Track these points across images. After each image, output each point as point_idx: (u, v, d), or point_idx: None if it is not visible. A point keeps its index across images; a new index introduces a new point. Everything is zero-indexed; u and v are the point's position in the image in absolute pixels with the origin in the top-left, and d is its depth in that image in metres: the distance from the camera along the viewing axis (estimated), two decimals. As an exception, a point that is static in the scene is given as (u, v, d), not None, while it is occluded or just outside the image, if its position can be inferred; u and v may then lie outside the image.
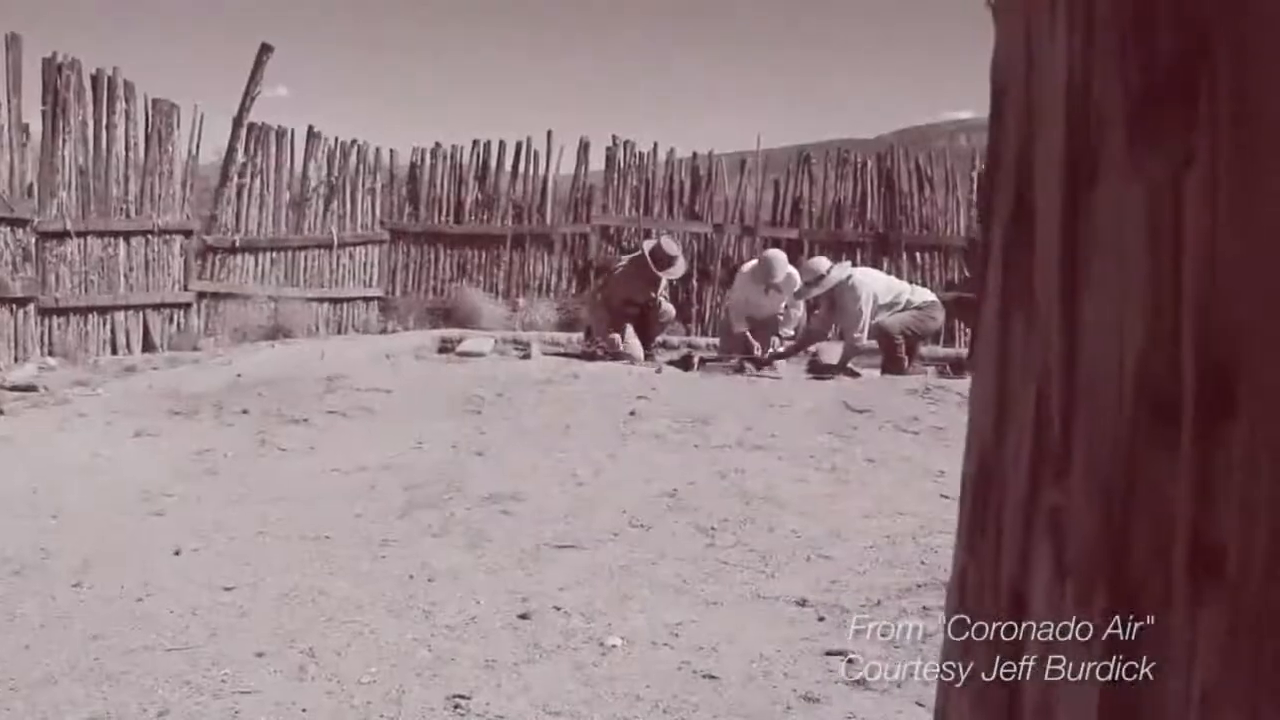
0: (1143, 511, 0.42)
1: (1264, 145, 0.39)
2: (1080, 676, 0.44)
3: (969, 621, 0.54)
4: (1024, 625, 0.49)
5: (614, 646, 3.18)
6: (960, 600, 0.56)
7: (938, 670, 0.62)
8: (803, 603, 3.55)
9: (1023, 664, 0.49)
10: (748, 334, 8.91)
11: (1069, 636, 0.45)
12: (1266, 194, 0.39)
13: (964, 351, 10.30)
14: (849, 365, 8.67)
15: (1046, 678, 0.47)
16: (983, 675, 0.52)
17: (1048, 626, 0.46)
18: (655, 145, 11.51)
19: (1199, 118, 0.41)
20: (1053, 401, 0.46)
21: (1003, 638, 0.50)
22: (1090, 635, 0.44)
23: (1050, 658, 0.46)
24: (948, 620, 0.59)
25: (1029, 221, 0.48)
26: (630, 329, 9.10)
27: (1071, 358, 0.45)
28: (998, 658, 0.50)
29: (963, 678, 0.55)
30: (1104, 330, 0.44)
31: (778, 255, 9.10)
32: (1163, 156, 0.42)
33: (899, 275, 9.85)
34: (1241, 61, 0.40)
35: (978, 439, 0.54)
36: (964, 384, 7.47)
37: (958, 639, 0.56)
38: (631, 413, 6.44)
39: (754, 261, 9.28)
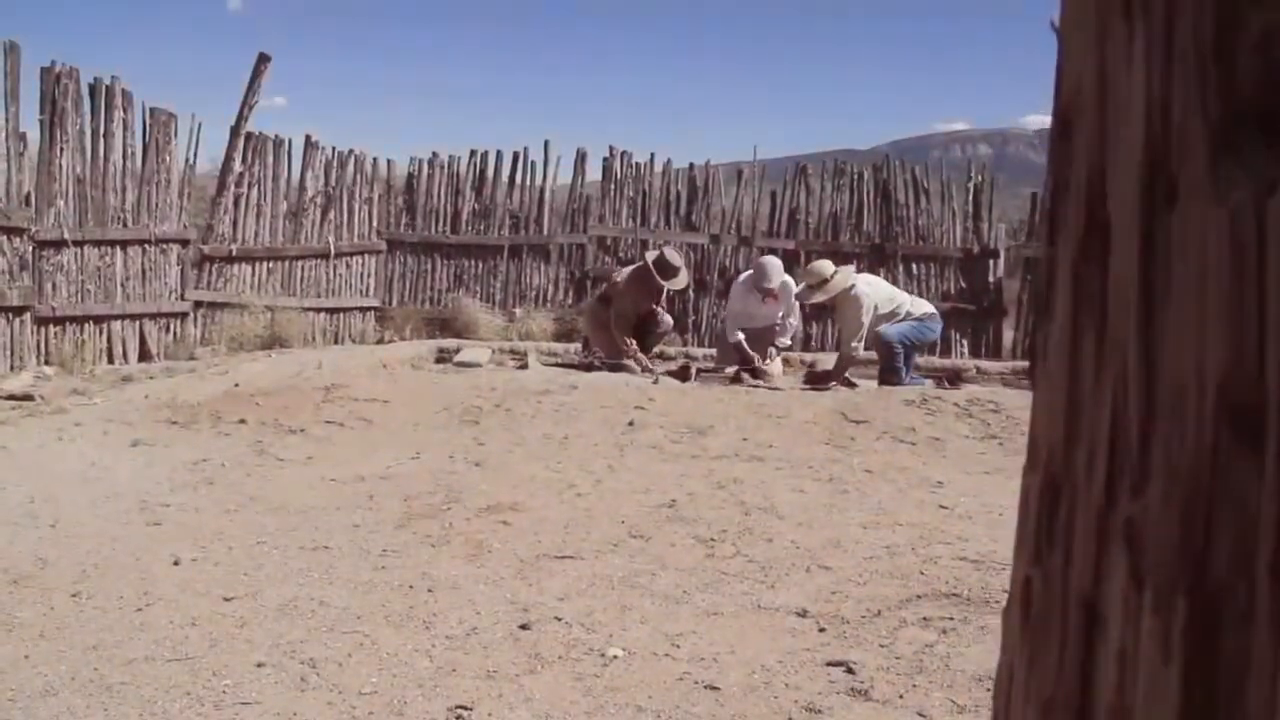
0: (1225, 522, 0.43)
1: None
2: (1158, 687, 0.45)
3: (1035, 632, 0.55)
4: (1096, 635, 0.49)
5: (615, 657, 3.18)
6: (1025, 610, 0.56)
7: (995, 679, 0.62)
8: (803, 613, 3.55)
9: (1095, 673, 0.49)
10: (743, 342, 8.91)
11: (1146, 647, 0.45)
12: None
13: (960, 363, 10.33)
14: (846, 375, 8.69)
15: (1120, 689, 0.47)
16: (1050, 684, 0.52)
17: (1123, 637, 0.47)
18: (652, 156, 11.56)
19: None
20: (1130, 416, 0.47)
21: (1073, 646, 0.51)
22: (1170, 643, 0.44)
23: (1125, 665, 0.47)
24: (1008, 630, 0.60)
25: (1101, 239, 0.49)
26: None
27: (1149, 373, 0.46)
28: (1067, 666, 0.51)
29: (1028, 688, 0.55)
30: (1184, 346, 0.44)
31: (772, 260, 9.11)
32: (1244, 183, 0.42)
33: (895, 285, 9.88)
34: None
35: (1045, 452, 0.54)
36: (961, 395, 7.49)
37: (1021, 649, 0.57)
38: (630, 423, 6.44)
39: (749, 270, 9.30)
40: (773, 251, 10.80)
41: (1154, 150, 0.46)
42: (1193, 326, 0.44)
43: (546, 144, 11.45)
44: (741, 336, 8.94)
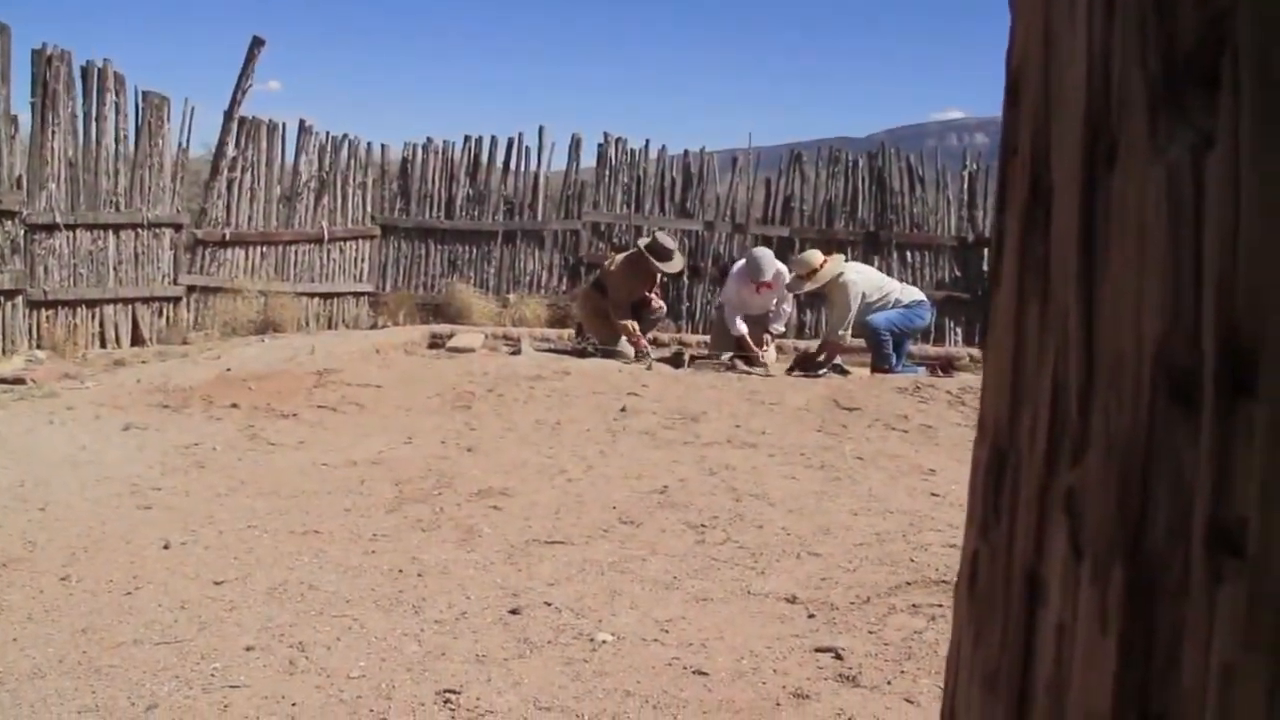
0: (1161, 490, 0.42)
1: None
2: (1094, 658, 0.44)
3: (980, 605, 0.54)
4: (1038, 606, 0.49)
5: (604, 642, 3.18)
6: (971, 584, 0.56)
7: (946, 657, 0.62)
8: (792, 599, 3.56)
9: (1036, 645, 0.49)
10: (746, 336, 8.89)
11: (1084, 617, 0.45)
12: None
13: (954, 351, 10.34)
14: (837, 362, 8.69)
15: (1059, 661, 0.47)
16: (994, 659, 0.52)
17: (1063, 608, 0.46)
18: (647, 142, 11.53)
19: (1220, 101, 0.41)
20: (1070, 383, 0.47)
21: (1015, 620, 0.50)
22: (1107, 613, 0.44)
23: (1064, 638, 0.46)
24: (957, 605, 0.59)
25: (1045, 205, 0.49)
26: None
27: (1089, 339, 0.45)
28: (1010, 639, 0.51)
29: (973, 663, 0.55)
30: (1122, 311, 0.44)
31: (765, 253, 9.10)
32: (1183, 139, 0.42)
33: (889, 274, 9.87)
34: (1263, 44, 0.40)
35: (992, 423, 0.54)
36: (953, 383, 7.50)
37: (968, 624, 0.56)
38: (622, 409, 6.44)
39: (743, 261, 9.29)
40: (767, 239, 10.79)
41: (1095, 109, 0.46)
42: (1131, 290, 0.44)
43: (541, 130, 11.42)
44: (744, 329, 8.92)
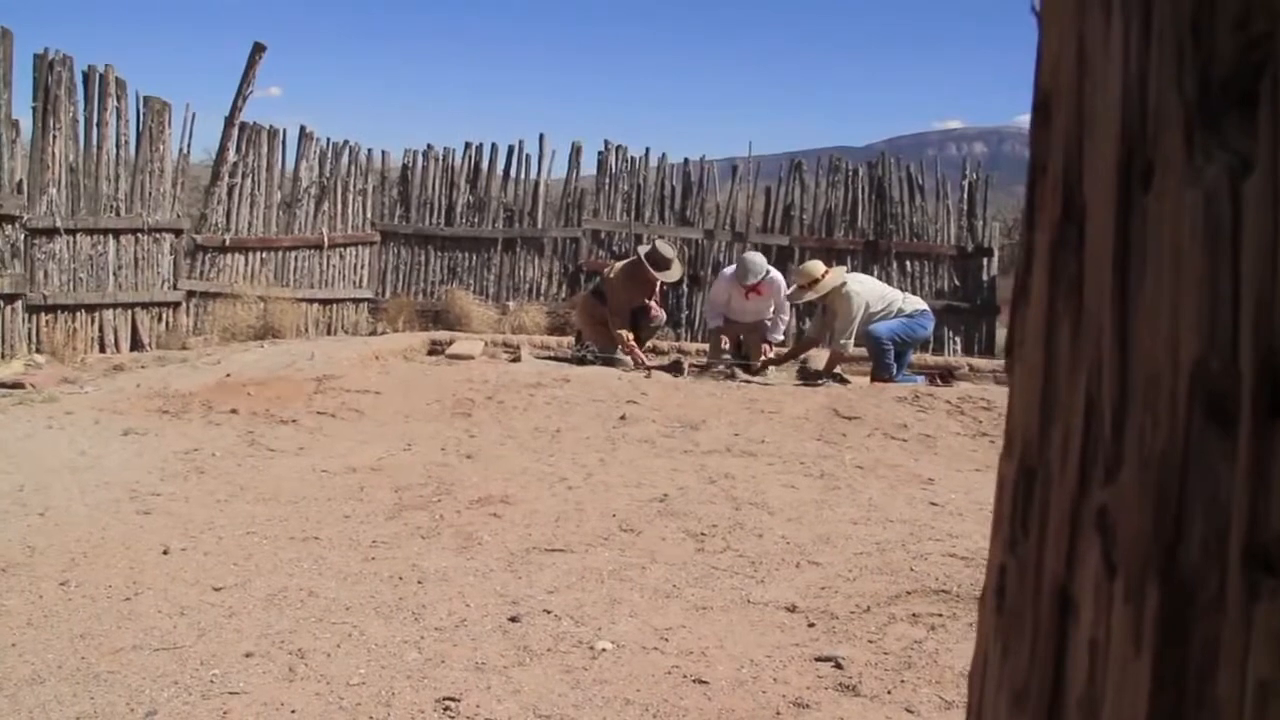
0: (1197, 508, 0.42)
1: None
2: (1128, 677, 0.44)
3: (1009, 620, 0.54)
4: (1069, 623, 0.49)
5: (604, 650, 3.18)
6: (999, 599, 0.56)
7: (969, 671, 0.62)
8: (792, 608, 3.55)
9: (1067, 662, 0.49)
10: (720, 330, 9.12)
11: (1117, 636, 0.45)
12: None
13: (953, 360, 10.34)
14: (837, 371, 8.70)
15: (1091, 678, 0.47)
16: (1023, 674, 0.52)
17: (1095, 626, 0.46)
18: (647, 150, 11.54)
19: (1259, 125, 0.41)
20: (1104, 401, 0.47)
21: (1046, 636, 0.50)
22: (1141, 631, 0.44)
23: (1096, 655, 0.46)
24: (982, 619, 0.59)
25: (1078, 224, 0.49)
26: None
27: (1124, 358, 0.46)
28: (1040, 655, 0.51)
29: (1001, 677, 0.55)
30: (1158, 331, 0.44)
31: (755, 257, 9.13)
32: (1221, 162, 0.42)
33: (889, 283, 9.88)
34: None
35: (1020, 439, 0.54)
36: (952, 392, 7.50)
37: (995, 638, 0.56)
38: (621, 417, 6.44)
39: (734, 265, 9.36)
40: (767, 248, 10.81)
41: (1130, 131, 0.46)
42: (1167, 310, 0.44)
43: (541, 137, 11.45)
44: (719, 323, 9.12)
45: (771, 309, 9.06)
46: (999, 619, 0.56)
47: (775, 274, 9.05)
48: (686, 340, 10.73)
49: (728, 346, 9.39)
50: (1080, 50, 0.49)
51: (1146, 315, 0.45)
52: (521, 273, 11.34)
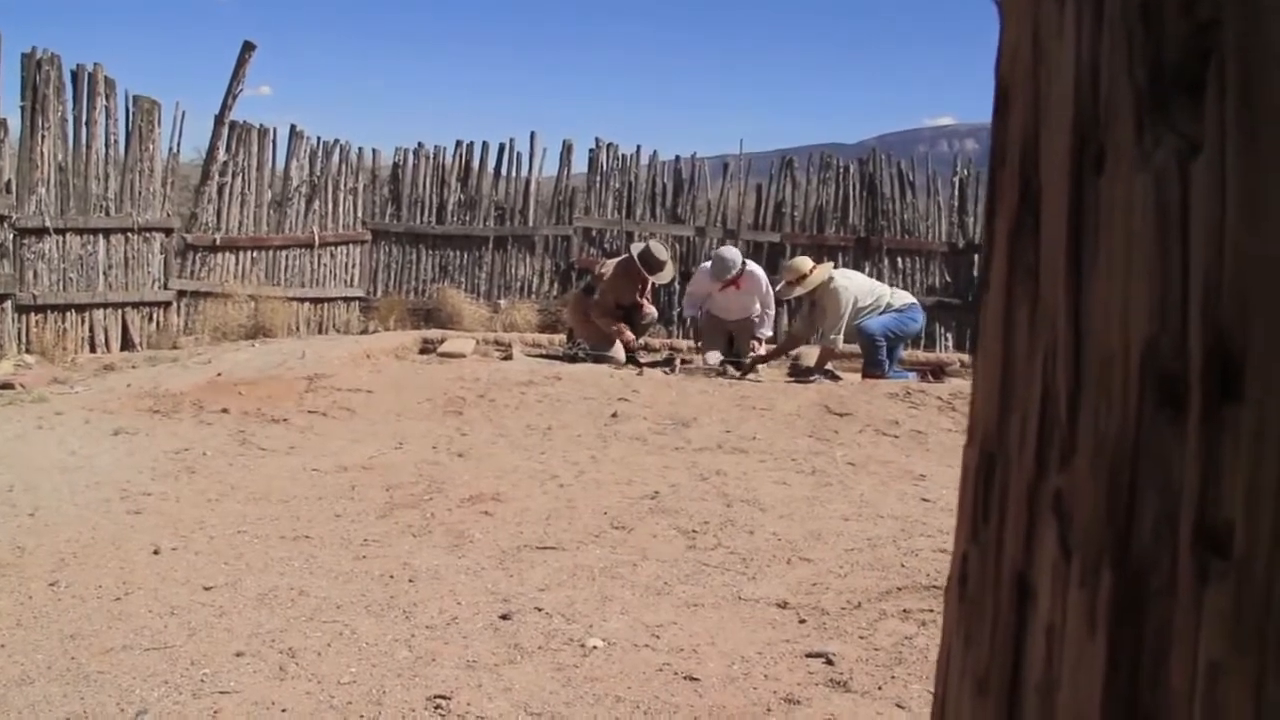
0: (1149, 492, 0.43)
1: (1271, 134, 0.40)
2: (1083, 660, 0.45)
3: (970, 608, 0.55)
4: (1028, 608, 0.49)
5: (595, 648, 3.18)
6: (961, 587, 0.57)
7: (937, 660, 0.62)
8: (783, 605, 3.56)
9: (1026, 647, 0.49)
10: (696, 319, 9.27)
11: (1073, 619, 0.45)
12: (1274, 182, 0.40)
13: (944, 356, 10.36)
14: (828, 368, 8.71)
15: (1049, 663, 0.47)
16: (984, 661, 0.52)
17: (1052, 610, 0.47)
18: (638, 148, 11.54)
19: (1206, 108, 0.42)
20: (1059, 386, 0.47)
21: (1005, 622, 0.51)
22: (1095, 614, 0.44)
23: (1053, 639, 0.47)
24: (948, 608, 0.60)
25: (1034, 211, 0.49)
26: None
27: (1077, 343, 0.46)
28: (999, 641, 0.51)
29: (964, 665, 0.55)
30: (1110, 314, 0.44)
31: (728, 250, 9.15)
32: (1170, 145, 0.43)
33: (880, 279, 9.90)
34: (1248, 53, 0.40)
35: (981, 427, 0.54)
36: (944, 389, 7.51)
37: (958, 626, 0.57)
38: (613, 415, 6.44)
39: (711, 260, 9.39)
40: (758, 245, 10.82)
41: (1083, 116, 0.46)
42: (1119, 295, 0.44)
43: (532, 135, 11.43)
44: (695, 313, 9.22)
45: (757, 305, 9.05)
46: (961, 607, 0.56)
47: (754, 267, 9.05)
48: (678, 338, 10.74)
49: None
50: (1035, 38, 0.50)
51: (1099, 298, 0.45)
52: (513, 271, 11.34)
